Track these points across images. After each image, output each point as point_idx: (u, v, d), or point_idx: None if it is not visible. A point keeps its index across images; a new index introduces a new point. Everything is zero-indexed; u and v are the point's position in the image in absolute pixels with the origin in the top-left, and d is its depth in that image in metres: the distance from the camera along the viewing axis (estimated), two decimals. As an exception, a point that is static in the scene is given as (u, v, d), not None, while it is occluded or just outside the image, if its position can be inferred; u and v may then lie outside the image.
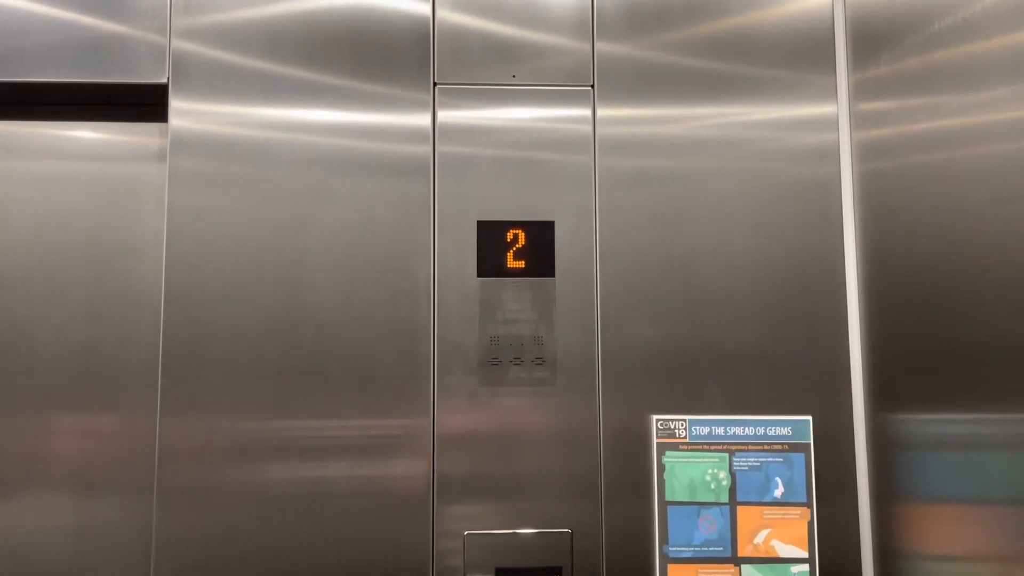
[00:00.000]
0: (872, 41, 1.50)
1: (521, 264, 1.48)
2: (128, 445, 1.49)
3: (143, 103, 1.54)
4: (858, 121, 1.53)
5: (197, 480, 1.40)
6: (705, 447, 1.44)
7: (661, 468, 1.44)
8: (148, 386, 1.46)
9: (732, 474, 1.44)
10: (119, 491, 1.49)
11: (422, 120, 1.50)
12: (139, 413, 1.48)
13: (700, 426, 1.45)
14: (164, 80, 1.48)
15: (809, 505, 1.43)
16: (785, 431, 1.45)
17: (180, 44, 1.49)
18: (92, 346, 1.52)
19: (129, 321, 1.52)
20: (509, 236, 1.48)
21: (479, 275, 1.47)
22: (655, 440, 1.44)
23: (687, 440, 1.44)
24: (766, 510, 1.43)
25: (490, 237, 1.48)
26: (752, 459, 1.44)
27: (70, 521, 1.49)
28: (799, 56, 1.55)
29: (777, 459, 1.44)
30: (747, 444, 1.44)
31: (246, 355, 1.43)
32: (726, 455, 1.44)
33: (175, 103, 1.48)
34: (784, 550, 1.42)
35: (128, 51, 1.49)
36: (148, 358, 1.48)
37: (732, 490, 1.43)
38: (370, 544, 1.41)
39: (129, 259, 1.54)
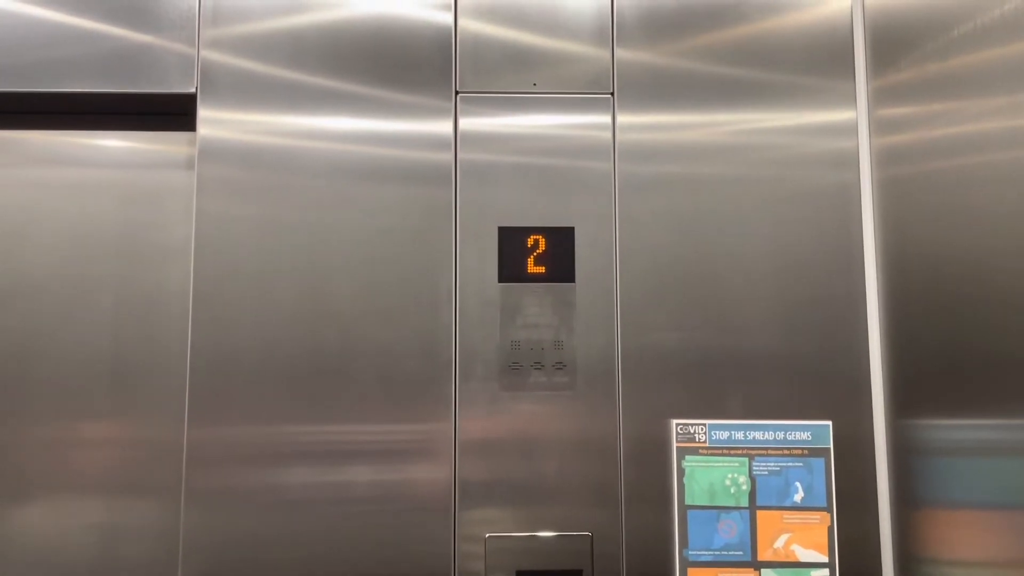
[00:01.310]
0: (891, 47, 1.50)
1: (542, 270, 1.49)
2: (156, 448, 1.51)
3: (172, 112, 1.57)
4: (877, 127, 1.53)
5: (224, 483, 1.42)
6: (725, 451, 1.45)
7: (681, 472, 1.44)
8: (176, 390, 1.48)
9: (752, 478, 1.44)
10: (148, 494, 1.51)
11: (444, 128, 1.52)
12: (167, 417, 1.51)
13: (720, 431, 1.45)
14: (192, 90, 1.51)
15: (829, 510, 1.43)
16: (805, 436, 1.45)
17: (208, 54, 1.52)
18: (121, 350, 1.55)
19: (157, 326, 1.55)
20: (530, 242, 1.49)
21: (500, 280, 1.49)
22: (675, 444, 1.45)
23: (707, 444, 1.45)
24: (786, 515, 1.43)
25: (511, 243, 1.49)
26: (772, 464, 1.44)
27: (101, 523, 1.52)
28: (818, 62, 1.55)
29: (797, 464, 1.44)
30: (767, 449, 1.45)
31: (271, 360, 1.45)
32: (746, 459, 1.44)
33: (203, 112, 1.51)
34: (804, 555, 1.42)
35: (157, 61, 1.52)
36: (176, 362, 1.51)
37: (752, 494, 1.43)
38: (393, 547, 1.42)
39: (158, 265, 1.57)
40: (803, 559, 1.42)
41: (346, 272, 1.48)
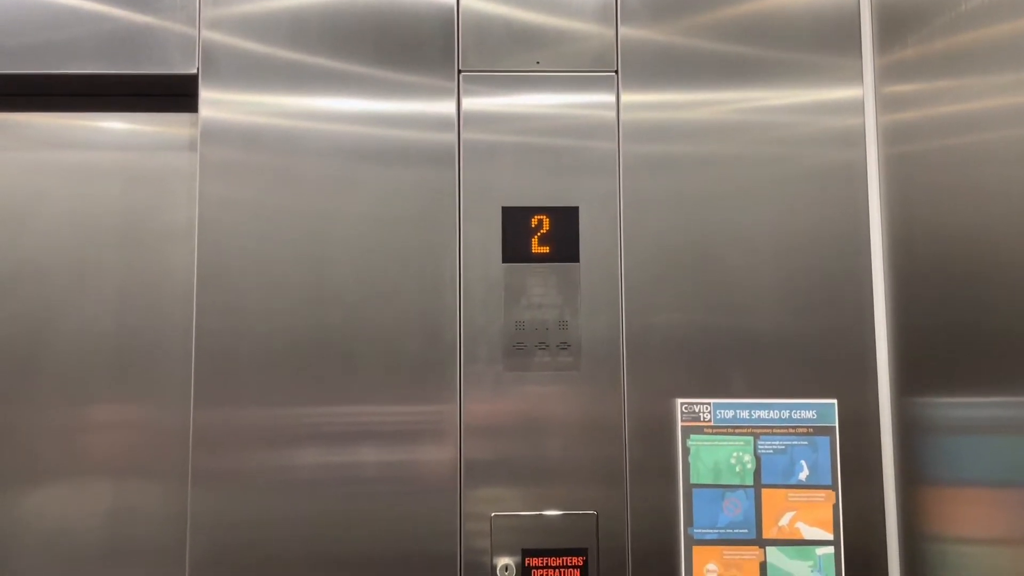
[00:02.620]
0: (898, 23, 1.49)
1: (546, 250, 1.49)
2: (162, 431, 1.52)
3: (174, 93, 1.56)
4: (884, 104, 1.52)
5: (230, 465, 1.43)
6: (730, 430, 1.45)
7: (686, 451, 1.44)
8: (181, 373, 1.49)
9: (757, 457, 1.44)
10: (156, 476, 1.52)
11: (447, 108, 1.51)
12: (172, 399, 1.51)
13: (725, 410, 1.45)
14: (194, 70, 1.51)
15: (834, 488, 1.44)
16: (810, 414, 1.45)
17: (209, 35, 1.51)
18: (126, 333, 1.55)
19: (162, 308, 1.55)
20: (534, 222, 1.49)
21: (504, 260, 1.48)
22: (680, 424, 1.45)
23: (712, 424, 1.45)
24: (791, 493, 1.43)
25: (515, 223, 1.49)
26: (777, 442, 1.44)
27: (108, 506, 1.52)
28: (825, 39, 1.54)
29: (802, 442, 1.44)
30: (772, 427, 1.45)
31: (276, 342, 1.45)
32: (751, 438, 1.44)
33: (205, 94, 1.50)
34: (809, 532, 1.43)
35: (158, 42, 1.51)
36: (181, 345, 1.51)
37: (757, 473, 1.44)
38: (399, 526, 1.43)
39: (162, 248, 1.57)
40: (808, 536, 1.43)
41: (350, 254, 1.48)
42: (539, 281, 1.48)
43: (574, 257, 1.49)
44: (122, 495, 1.53)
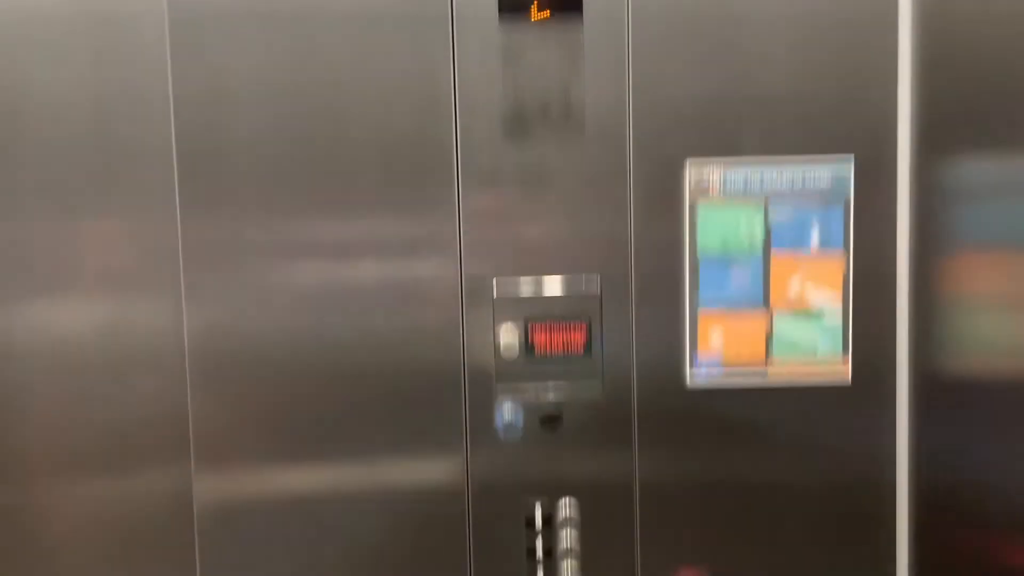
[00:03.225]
0: None
1: (546, 14, 1.38)
2: (149, 241, 1.44)
3: None
4: None
5: (224, 278, 1.40)
6: (739, 198, 1.39)
7: (693, 217, 1.40)
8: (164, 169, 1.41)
9: (767, 223, 1.40)
10: (147, 289, 1.45)
11: None
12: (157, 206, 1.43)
13: (735, 174, 1.39)
14: None
15: (846, 253, 1.40)
16: (824, 176, 1.39)
17: None
18: (100, 117, 1.46)
19: (139, 95, 1.45)
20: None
21: (500, 17, 1.38)
22: (687, 190, 1.40)
23: (720, 191, 1.39)
24: (801, 259, 1.40)
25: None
26: (788, 206, 1.39)
27: (101, 319, 1.46)
28: None
29: (814, 205, 1.39)
30: (783, 192, 1.39)
31: (262, 141, 1.38)
32: (761, 204, 1.39)
33: None
34: (818, 298, 1.40)
35: None
36: (161, 139, 1.41)
37: (766, 240, 1.40)
38: (399, 315, 1.41)
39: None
40: (816, 303, 1.40)
41: (334, 45, 1.38)
42: (539, 43, 1.39)
43: (576, 9, 1.38)
44: (116, 306, 1.46)
